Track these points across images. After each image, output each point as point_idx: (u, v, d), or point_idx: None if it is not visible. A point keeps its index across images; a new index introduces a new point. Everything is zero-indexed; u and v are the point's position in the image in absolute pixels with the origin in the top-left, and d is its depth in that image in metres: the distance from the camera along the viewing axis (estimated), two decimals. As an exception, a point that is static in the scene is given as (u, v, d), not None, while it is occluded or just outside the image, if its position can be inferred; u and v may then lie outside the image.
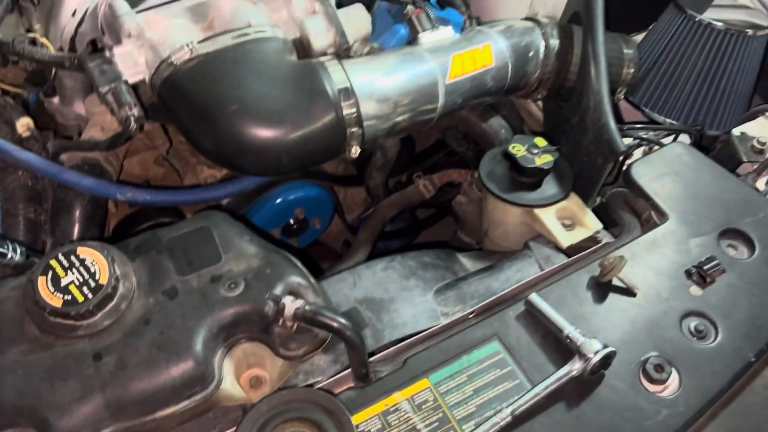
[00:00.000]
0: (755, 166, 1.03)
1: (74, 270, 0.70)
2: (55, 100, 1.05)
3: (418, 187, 1.24)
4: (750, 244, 0.87)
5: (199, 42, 0.84)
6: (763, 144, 1.05)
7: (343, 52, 0.92)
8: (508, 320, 0.80)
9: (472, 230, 1.16)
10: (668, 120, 1.19)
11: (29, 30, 1.03)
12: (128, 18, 0.85)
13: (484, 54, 0.97)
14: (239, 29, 0.86)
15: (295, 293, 0.74)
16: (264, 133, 0.82)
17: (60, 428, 0.65)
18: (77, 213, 0.91)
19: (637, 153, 1.13)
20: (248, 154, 0.84)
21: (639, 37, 1.27)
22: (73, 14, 0.95)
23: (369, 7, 1.15)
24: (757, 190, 1.00)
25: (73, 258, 0.70)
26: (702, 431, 0.74)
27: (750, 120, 1.11)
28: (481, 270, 0.93)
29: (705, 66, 1.14)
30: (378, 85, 0.86)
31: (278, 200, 1.15)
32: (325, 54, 0.93)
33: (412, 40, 1.00)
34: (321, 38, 0.93)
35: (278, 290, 0.73)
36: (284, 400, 0.70)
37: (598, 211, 0.97)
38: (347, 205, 1.35)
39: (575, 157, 1.00)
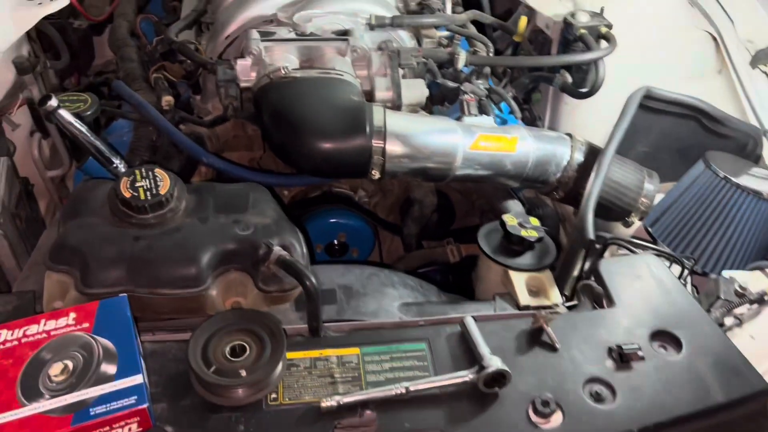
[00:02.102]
0: (732, 305, 1.12)
1: (148, 180, 1.00)
2: (198, 97, 1.42)
3: (446, 250, 1.44)
4: (679, 347, 0.97)
5: (294, 69, 1.16)
6: (744, 289, 1.13)
7: (395, 107, 1.20)
8: (442, 332, 0.97)
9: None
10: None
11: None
12: (254, 43, 1.20)
13: (510, 142, 1.20)
14: (326, 69, 1.18)
15: (285, 248, 0.98)
16: (312, 141, 1.10)
17: (95, 275, 0.92)
18: (175, 162, 1.24)
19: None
20: (298, 154, 1.12)
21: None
22: (227, 38, 1.33)
23: (454, 100, 1.44)
24: (722, 324, 1.09)
25: (150, 173, 1.00)
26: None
27: (751, 270, 1.20)
28: (448, 302, 1.11)
29: (717, 214, 1.27)
30: (407, 133, 1.12)
31: (331, 219, 1.42)
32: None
33: (458, 118, 1.25)
34: (383, 93, 1.22)
35: (274, 241, 0.98)
36: (241, 316, 0.92)
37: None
38: (390, 253, 1.58)
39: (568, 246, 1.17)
